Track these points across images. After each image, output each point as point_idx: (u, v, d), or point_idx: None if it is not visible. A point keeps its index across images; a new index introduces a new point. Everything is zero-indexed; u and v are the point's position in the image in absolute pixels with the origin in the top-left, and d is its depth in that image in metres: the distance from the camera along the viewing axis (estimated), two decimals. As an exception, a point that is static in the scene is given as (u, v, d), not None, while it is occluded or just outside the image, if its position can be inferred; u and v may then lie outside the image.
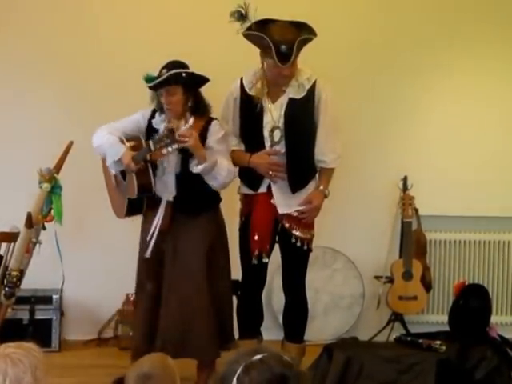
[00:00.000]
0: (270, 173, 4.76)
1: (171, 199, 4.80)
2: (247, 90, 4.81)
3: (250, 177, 4.85)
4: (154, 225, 4.82)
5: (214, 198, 4.88)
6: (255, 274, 4.88)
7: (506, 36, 6.22)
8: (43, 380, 2.54)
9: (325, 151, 4.83)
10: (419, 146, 6.24)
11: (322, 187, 4.86)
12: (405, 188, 6.06)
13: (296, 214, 4.80)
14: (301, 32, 4.60)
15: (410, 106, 6.25)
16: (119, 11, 6.04)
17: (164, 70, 4.71)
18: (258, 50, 4.70)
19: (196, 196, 4.79)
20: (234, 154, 4.85)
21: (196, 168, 4.65)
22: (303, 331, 5.01)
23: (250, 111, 4.79)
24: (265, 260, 4.79)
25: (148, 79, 4.73)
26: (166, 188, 4.80)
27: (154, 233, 4.81)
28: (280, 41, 4.53)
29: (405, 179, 6.07)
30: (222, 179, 4.69)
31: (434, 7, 6.16)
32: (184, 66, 4.75)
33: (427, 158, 6.23)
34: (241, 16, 4.65)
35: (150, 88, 4.74)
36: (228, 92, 4.90)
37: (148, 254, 4.82)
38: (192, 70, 4.73)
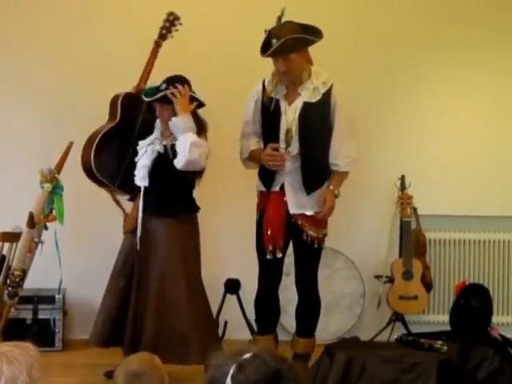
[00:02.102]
0: (270, 163, 4.80)
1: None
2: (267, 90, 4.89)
3: (264, 175, 4.94)
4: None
5: (187, 200, 4.96)
6: (270, 269, 4.94)
7: (504, 41, 6.25)
8: (40, 379, 2.51)
9: (338, 155, 4.87)
10: (417, 145, 6.26)
11: (332, 187, 4.89)
12: (402, 187, 6.08)
13: (311, 213, 4.86)
14: (303, 33, 4.66)
15: (408, 105, 6.27)
16: (122, 12, 6.07)
17: (164, 85, 4.85)
18: None
19: (166, 192, 4.90)
20: (252, 153, 4.94)
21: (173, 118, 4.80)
22: (314, 327, 5.09)
23: (269, 112, 4.87)
24: (278, 255, 4.85)
25: (146, 93, 4.92)
26: (141, 177, 4.97)
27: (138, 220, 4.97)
28: (274, 34, 4.63)
29: (402, 178, 6.08)
30: (187, 148, 4.72)
31: (439, 8, 6.20)
32: (183, 81, 4.86)
33: (425, 156, 6.25)
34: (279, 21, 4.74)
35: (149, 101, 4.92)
36: (250, 94, 4.97)
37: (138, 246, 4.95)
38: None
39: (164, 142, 4.92)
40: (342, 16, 6.13)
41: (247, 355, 2.03)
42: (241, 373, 2.00)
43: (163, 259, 4.91)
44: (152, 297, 4.88)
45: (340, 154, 4.87)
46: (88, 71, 6.01)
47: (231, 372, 2.00)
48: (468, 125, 6.27)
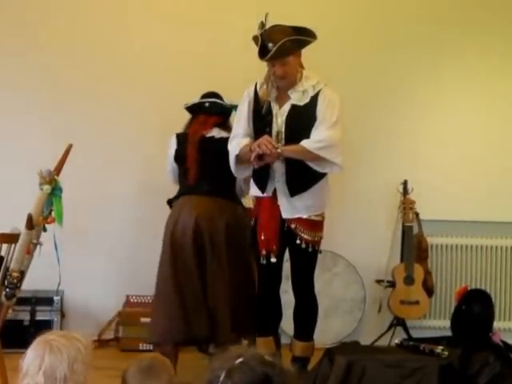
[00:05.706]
0: (263, 147, 4.66)
1: None
2: (259, 93, 4.85)
3: (258, 180, 4.90)
4: None
5: None
6: (267, 273, 4.93)
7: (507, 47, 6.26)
8: (83, 373, 2.55)
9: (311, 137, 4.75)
10: (419, 150, 6.26)
11: (282, 146, 4.75)
12: (405, 192, 6.07)
13: (305, 216, 4.81)
14: (297, 35, 4.61)
15: (411, 110, 6.28)
16: (128, 17, 6.11)
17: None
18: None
19: None
20: (243, 148, 4.85)
21: None
22: (312, 330, 5.06)
23: (260, 115, 4.82)
24: (272, 260, 4.82)
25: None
26: None
27: None
28: (268, 38, 4.58)
29: (405, 183, 6.08)
30: None
31: (441, 9, 6.19)
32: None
33: (428, 161, 6.26)
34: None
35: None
36: (244, 95, 4.93)
37: None
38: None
39: None
40: (342, 18, 6.15)
41: (238, 360, 2.06)
42: (228, 379, 2.04)
43: None
44: None
45: (312, 136, 4.73)
46: (92, 72, 6.03)
47: (221, 378, 2.05)
48: (471, 131, 6.29)
